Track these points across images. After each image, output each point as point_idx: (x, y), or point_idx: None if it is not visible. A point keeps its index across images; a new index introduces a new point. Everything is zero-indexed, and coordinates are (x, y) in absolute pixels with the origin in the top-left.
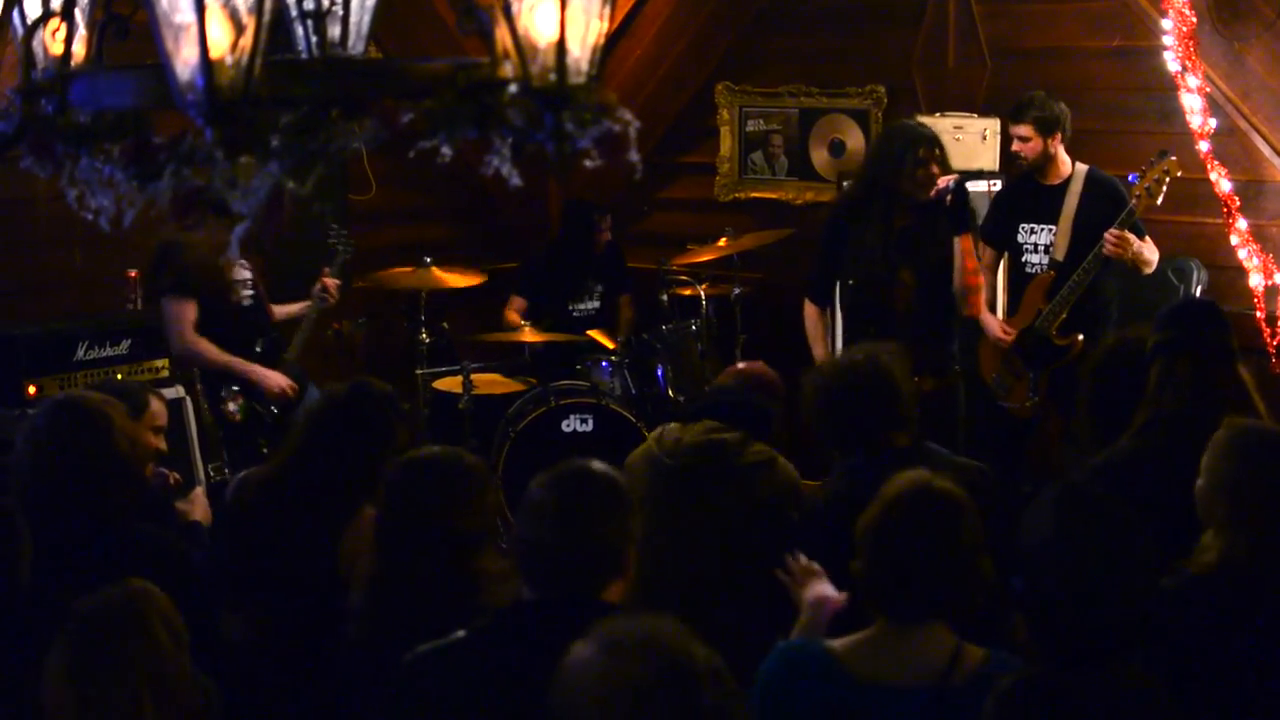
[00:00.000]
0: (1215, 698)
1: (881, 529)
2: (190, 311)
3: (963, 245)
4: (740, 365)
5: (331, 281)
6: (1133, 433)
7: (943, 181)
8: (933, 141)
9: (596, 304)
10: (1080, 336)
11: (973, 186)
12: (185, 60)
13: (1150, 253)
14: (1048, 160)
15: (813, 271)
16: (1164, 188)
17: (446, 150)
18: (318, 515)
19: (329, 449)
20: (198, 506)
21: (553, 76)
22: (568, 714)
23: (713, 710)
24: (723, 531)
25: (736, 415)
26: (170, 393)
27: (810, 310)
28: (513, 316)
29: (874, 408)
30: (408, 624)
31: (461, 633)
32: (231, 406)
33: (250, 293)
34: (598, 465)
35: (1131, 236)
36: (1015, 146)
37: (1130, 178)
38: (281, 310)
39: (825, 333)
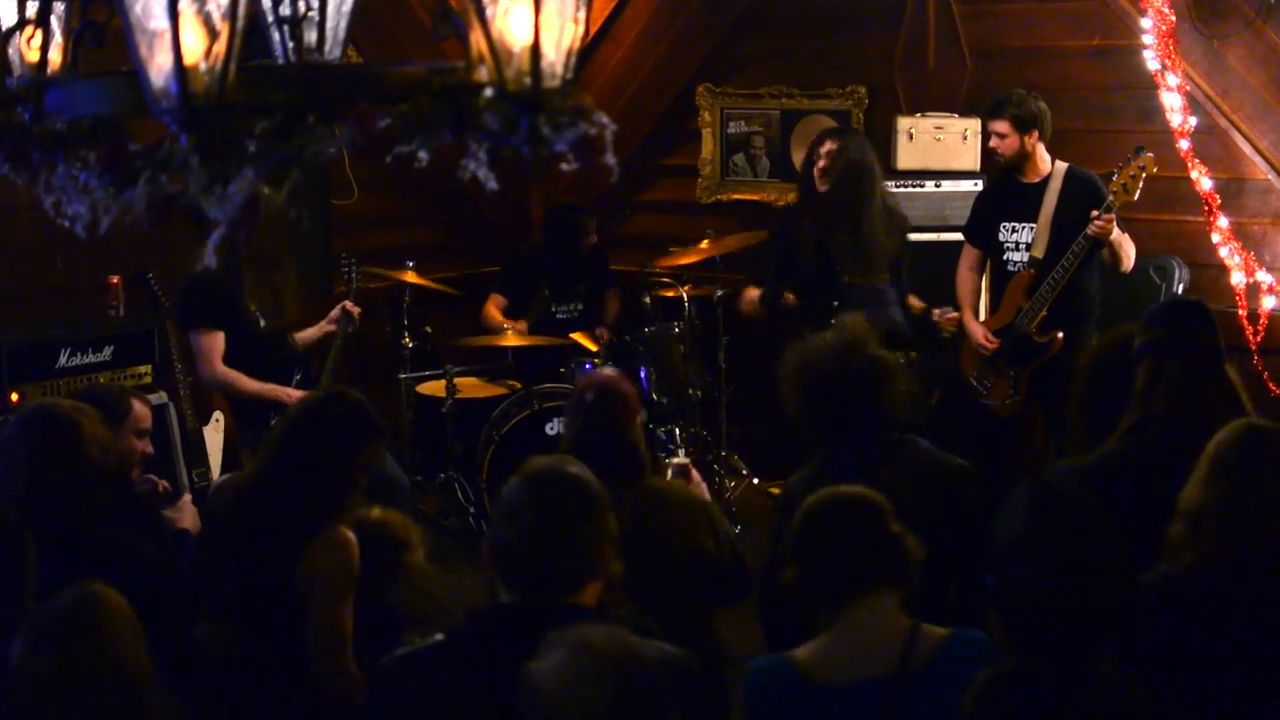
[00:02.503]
0: (1196, 694)
1: (797, 533)
2: (219, 342)
3: None
4: (588, 387)
5: (355, 309)
6: (1122, 433)
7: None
8: (824, 137)
9: (580, 306)
10: (1060, 334)
11: (954, 186)
12: (159, 67)
13: (1130, 245)
14: (1025, 158)
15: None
16: (1140, 184)
17: (423, 155)
18: (284, 527)
19: (301, 458)
20: (185, 514)
21: (528, 80)
22: (544, 701)
23: (692, 698)
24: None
25: (611, 468)
26: (154, 399)
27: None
28: (493, 312)
29: (853, 396)
30: None
31: (439, 635)
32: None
33: (271, 322)
34: (571, 466)
35: (1114, 218)
36: (992, 143)
37: (1111, 176)
38: (303, 336)
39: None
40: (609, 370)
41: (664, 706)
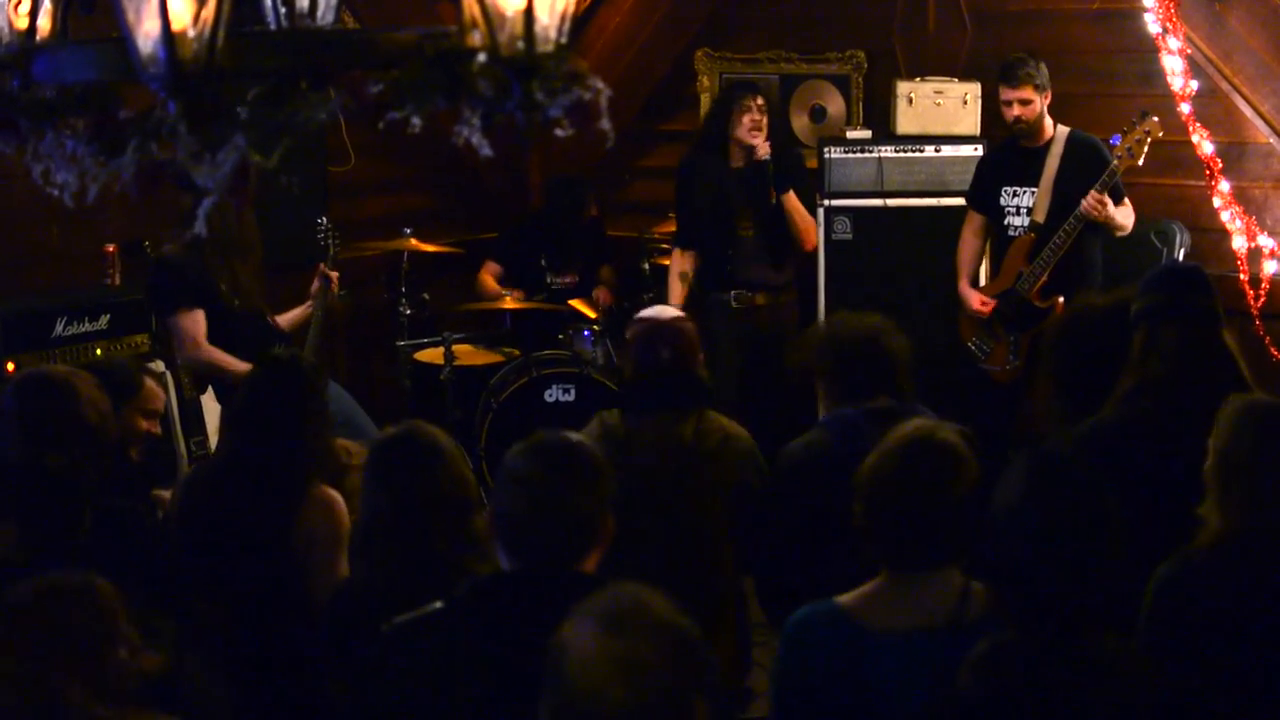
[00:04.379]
0: (1217, 676)
1: (881, 479)
2: (200, 322)
3: (788, 201)
4: (646, 321)
5: (333, 273)
6: (1117, 400)
7: (761, 148)
8: (754, 90)
9: (575, 277)
10: (1060, 299)
11: (953, 151)
12: (147, 33)
13: (1123, 216)
14: (1040, 122)
15: (678, 221)
16: (1145, 148)
17: (416, 121)
18: (264, 499)
19: (254, 431)
20: None
21: (521, 45)
22: (570, 693)
23: (708, 675)
24: (686, 522)
25: (679, 397)
26: (151, 368)
27: (676, 254)
28: (488, 279)
29: (862, 365)
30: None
31: (438, 604)
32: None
33: (248, 303)
34: (573, 436)
35: (1108, 199)
36: (1016, 111)
37: (1113, 139)
38: (285, 319)
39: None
40: (671, 310)
41: (690, 683)
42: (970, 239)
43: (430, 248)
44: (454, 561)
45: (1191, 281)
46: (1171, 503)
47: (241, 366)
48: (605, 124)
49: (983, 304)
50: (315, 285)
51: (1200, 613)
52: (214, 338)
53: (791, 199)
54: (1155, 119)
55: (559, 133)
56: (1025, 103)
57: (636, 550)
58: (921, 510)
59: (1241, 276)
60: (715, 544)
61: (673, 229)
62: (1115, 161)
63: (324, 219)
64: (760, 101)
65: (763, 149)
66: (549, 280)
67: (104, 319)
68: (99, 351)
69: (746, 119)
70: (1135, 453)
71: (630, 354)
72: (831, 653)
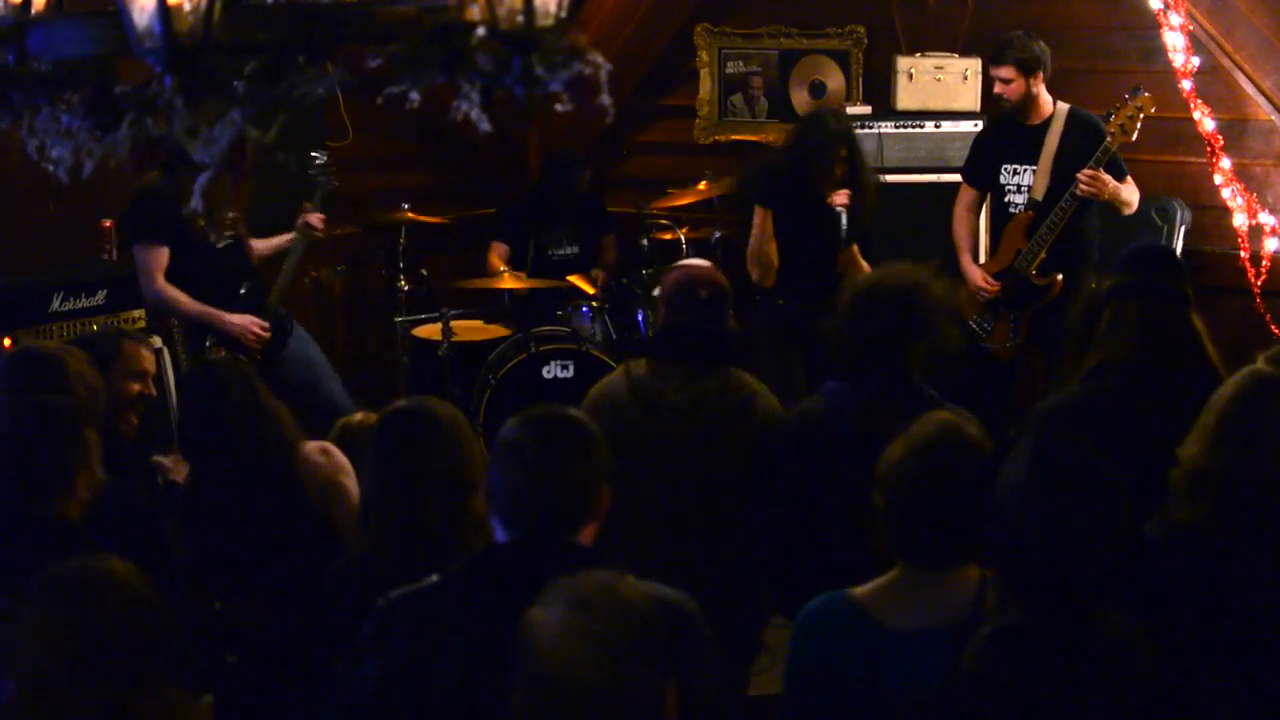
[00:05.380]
0: (1198, 644)
1: (907, 474)
2: (161, 258)
3: (849, 254)
4: (682, 270)
5: (316, 216)
6: (1081, 377)
7: (840, 199)
8: (840, 142)
9: (575, 248)
10: (1059, 276)
11: (954, 127)
12: (142, 7)
13: (1129, 193)
14: (1030, 101)
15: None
16: (1138, 124)
17: (415, 96)
18: (271, 488)
19: (220, 443)
20: (182, 467)
21: (520, 19)
22: (538, 675)
23: (688, 652)
24: (709, 476)
25: (708, 351)
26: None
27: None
28: (496, 261)
29: (883, 332)
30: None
31: (435, 576)
32: (214, 359)
33: (229, 233)
34: (569, 409)
35: (1106, 175)
36: (998, 89)
37: (1107, 116)
38: (263, 245)
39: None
40: (703, 262)
41: (659, 664)
42: (965, 215)
43: (428, 219)
44: (456, 539)
45: (1158, 261)
46: (1134, 480)
47: (192, 306)
48: (605, 99)
49: (986, 283)
50: (300, 220)
51: (1175, 574)
52: (183, 270)
53: (854, 254)
54: (1147, 94)
55: (558, 108)
56: (1006, 81)
57: (653, 503)
58: (947, 509)
59: (1242, 254)
60: (730, 505)
61: (670, 204)
62: (1108, 139)
63: (317, 153)
64: (844, 153)
65: (839, 200)
66: (550, 251)
67: (101, 294)
68: (95, 327)
69: (834, 173)
70: (1097, 428)
71: (661, 301)
72: (847, 648)
